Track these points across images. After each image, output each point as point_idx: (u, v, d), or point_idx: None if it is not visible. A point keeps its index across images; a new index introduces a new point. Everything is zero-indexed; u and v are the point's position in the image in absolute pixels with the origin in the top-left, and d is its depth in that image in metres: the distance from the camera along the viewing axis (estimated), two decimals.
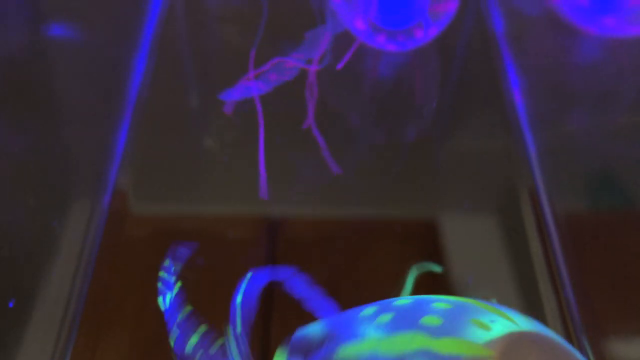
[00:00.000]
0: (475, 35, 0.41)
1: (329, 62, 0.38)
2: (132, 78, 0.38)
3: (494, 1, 0.42)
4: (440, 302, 0.18)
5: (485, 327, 0.16)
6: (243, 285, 0.23)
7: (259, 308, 0.22)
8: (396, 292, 0.25)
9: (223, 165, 0.35)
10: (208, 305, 0.24)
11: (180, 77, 0.40)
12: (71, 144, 0.34)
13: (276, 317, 0.27)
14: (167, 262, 0.26)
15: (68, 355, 0.26)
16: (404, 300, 0.19)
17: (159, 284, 0.25)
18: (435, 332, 0.16)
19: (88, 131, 0.35)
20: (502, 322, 0.17)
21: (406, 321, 0.17)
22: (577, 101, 0.36)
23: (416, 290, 0.25)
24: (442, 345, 0.16)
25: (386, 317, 0.18)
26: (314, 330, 0.20)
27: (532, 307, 0.28)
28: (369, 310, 0.19)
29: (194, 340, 0.23)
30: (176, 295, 0.24)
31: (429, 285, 0.27)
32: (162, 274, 0.25)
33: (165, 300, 0.24)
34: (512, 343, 0.16)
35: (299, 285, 0.24)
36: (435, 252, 0.30)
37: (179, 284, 0.25)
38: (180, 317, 0.24)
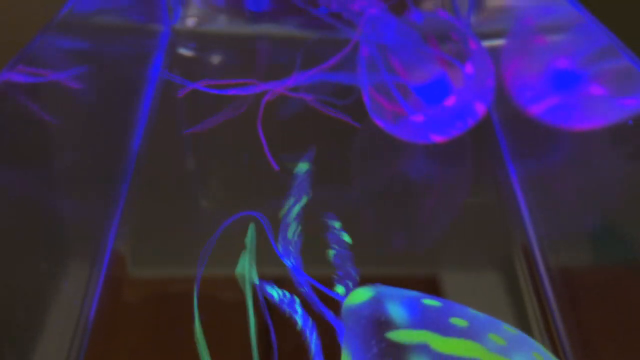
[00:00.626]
0: None
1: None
2: (131, 144, 0.39)
3: None
4: (509, 327, 0.20)
5: None
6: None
7: None
8: None
9: (220, 227, 0.35)
10: None
11: (178, 143, 0.41)
12: (70, 208, 0.35)
13: None
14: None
15: None
16: (477, 313, 0.21)
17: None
18: (498, 350, 0.18)
19: (87, 195, 0.36)
20: None
21: (476, 331, 0.19)
22: (566, 160, 0.37)
23: None
24: None
25: (462, 323, 0.20)
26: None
27: None
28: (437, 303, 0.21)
29: None
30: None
31: None
32: None
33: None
34: None
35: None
36: None
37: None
38: None
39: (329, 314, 0.25)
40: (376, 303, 0.22)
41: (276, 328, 0.27)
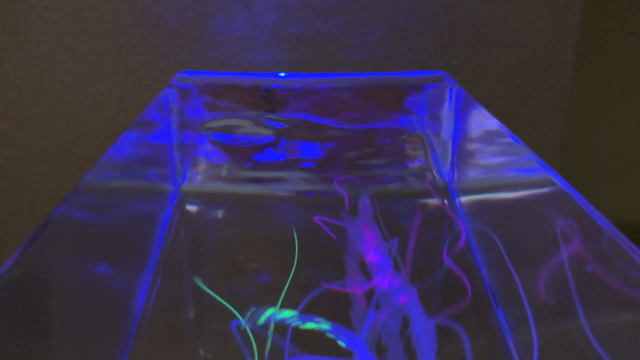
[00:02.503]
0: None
1: None
2: (134, 305, 0.43)
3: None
4: None
5: None
6: None
7: None
8: None
9: None
10: None
11: (182, 303, 0.44)
12: None
13: None
14: None
15: None
16: None
17: None
18: None
19: (94, 349, 0.38)
20: None
21: None
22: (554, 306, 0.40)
23: None
24: None
25: None
26: None
27: None
28: None
29: None
30: None
31: None
32: None
33: None
34: None
35: None
36: None
37: None
38: None
39: None
40: None
41: None
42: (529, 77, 0.77)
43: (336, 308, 0.40)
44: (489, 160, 0.47)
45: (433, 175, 0.54)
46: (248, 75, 0.54)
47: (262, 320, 0.38)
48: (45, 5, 0.74)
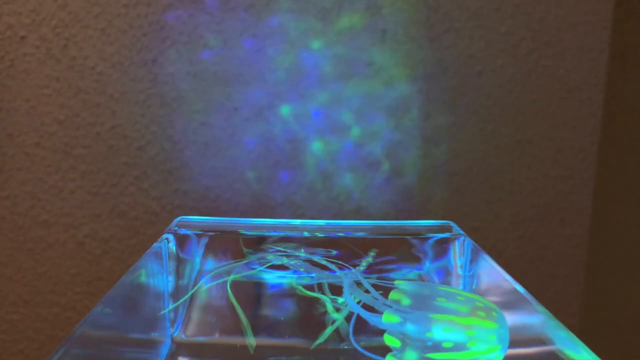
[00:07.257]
0: None
1: None
2: None
3: None
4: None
5: None
6: None
7: None
8: None
9: None
10: None
11: None
12: None
13: None
14: None
15: None
16: None
17: None
18: None
19: None
20: None
21: None
22: None
23: None
24: None
25: None
26: None
27: None
28: None
29: None
30: None
31: None
32: None
33: None
34: None
35: None
36: None
37: None
38: None
39: None
40: None
41: None
42: (544, 227, 0.83)
43: None
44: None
45: None
46: (249, 221, 0.60)
47: None
48: (34, 143, 0.81)
